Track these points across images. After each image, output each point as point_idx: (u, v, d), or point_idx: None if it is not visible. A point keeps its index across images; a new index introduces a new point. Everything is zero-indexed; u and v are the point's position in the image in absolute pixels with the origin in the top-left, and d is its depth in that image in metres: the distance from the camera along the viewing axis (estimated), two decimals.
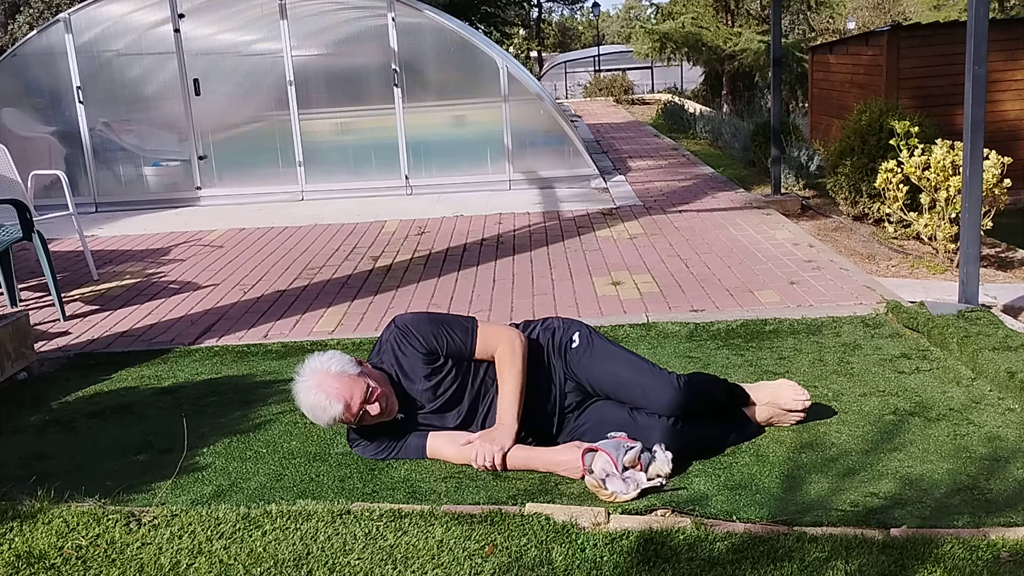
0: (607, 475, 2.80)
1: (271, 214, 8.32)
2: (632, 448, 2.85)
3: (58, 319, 5.18)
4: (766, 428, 3.24)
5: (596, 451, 2.87)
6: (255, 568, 2.37)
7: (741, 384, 3.32)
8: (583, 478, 2.86)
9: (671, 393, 3.01)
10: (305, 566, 2.37)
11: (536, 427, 3.14)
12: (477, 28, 22.92)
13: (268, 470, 3.12)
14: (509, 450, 2.98)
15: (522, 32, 49.42)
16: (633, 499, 2.74)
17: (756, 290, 5.13)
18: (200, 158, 9.13)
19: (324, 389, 2.93)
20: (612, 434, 2.97)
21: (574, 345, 3.17)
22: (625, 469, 2.82)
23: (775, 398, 3.22)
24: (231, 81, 9.18)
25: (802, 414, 3.24)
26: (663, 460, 2.86)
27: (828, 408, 3.40)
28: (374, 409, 2.98)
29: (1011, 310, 4.65)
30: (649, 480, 2.82)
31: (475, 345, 3.08)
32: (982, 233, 4.94)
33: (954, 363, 3.85)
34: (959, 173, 5.23)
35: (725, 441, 3.12)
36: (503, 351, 3.07)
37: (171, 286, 5.88)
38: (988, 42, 4.22)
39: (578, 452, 2.91)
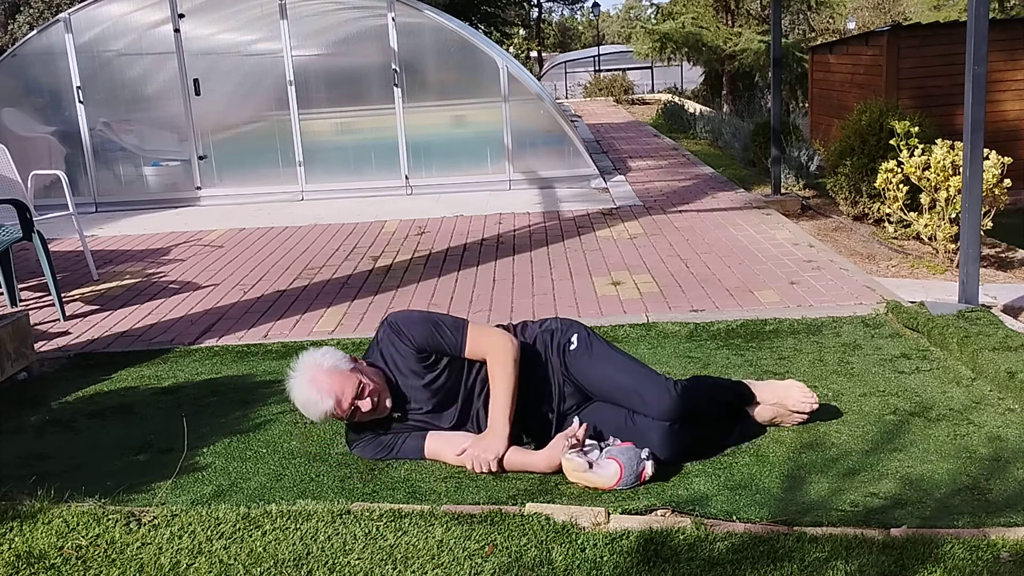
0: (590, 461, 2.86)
1: (271, 214, 8.32)
2: (645, 460, 2.87)
3: (58, 319, 5.18)
4: (767, 428, 3.23)
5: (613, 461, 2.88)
6: (255, 568, 2.37)
7: (748, 381, 3.32)
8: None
9: (667, 400, 3.01)
10: (305, 566, 2.37)
11: (535, 429, 3.14)
12: (477, 28, 22.91)
13: (268, 470, 3.12)
14: (504, 455, 2.98)
15: (522, 32, 49.42)
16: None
17: (756, 290, 5.13)
18: (200, 158, 9.13)
19: (316, 384, 2.99)
20: (615, 439, 2.98)
21: (572, 347, 3.18)
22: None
23: (783, 399, 3.22)
24: (231, 81, 9.18)
25: (806, 415, 3.24)
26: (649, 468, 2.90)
27: (828, 408, 3.40)
28: (365, 405, 3.01)
29: (1011, 310, 4.65)
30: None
31: (465, 344, 3.10)
32: (982, 233, 4.94)
33: (954, 363, 3.85)
34: (959, 173, 5.23)
35: (725, 441, 3.12)
36: (495, 355, 3.07)
37: (171, 286, 5.88)
38: (988, 42, 4.22)
39: (556, 451, 2.94)
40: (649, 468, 2.86)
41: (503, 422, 3.02)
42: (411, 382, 3.11)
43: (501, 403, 3.03)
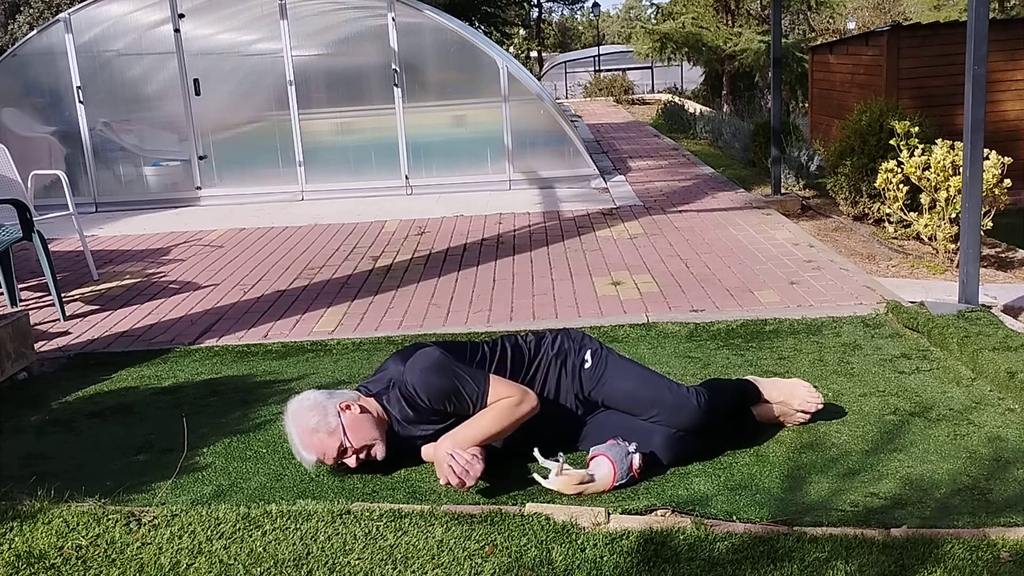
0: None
1: (271, 214, 8.32)
2: (632, 454, 2.87)
3: (58, 319, 5.18)
4: (767, 428, 3.23)
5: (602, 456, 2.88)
6: (255, 568, 2.37)
7: (753, 378, 3.31)
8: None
9: (692, 414, 2.98)
10: (305, 566, 2.37)
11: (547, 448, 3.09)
12: (477, 28, 22.92)
13: (268, 470, 3.12)
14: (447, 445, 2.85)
15: (522, 32, 49.41)
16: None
17: (756, 290, 5.13)
18: (200, 158, 9.13)
19: (301, 440, 2.95)
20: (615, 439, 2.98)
21: (587, 366, 3.12)
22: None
23: (788, 397, 3.22)
24: (231, 81, 9.18)
25: (810, 415, 3.24)
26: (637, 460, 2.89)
27: (829, 408, 3.39)
28: (351, 462, 2.95)
29: (1011, 310, 4.65)
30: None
31: (484, 407, 2.92)
32: (982, 233, 4.94)
33: (954, 363, 3.85)
34: (959, 173, 5.23)
35: (726, 441, 3.11)
36: (502, 403, 2.88)
37: (171, 286, 5.88)
38: (988, 42, 4.22)
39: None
40: (637, 460, 2.86)
41: (452, 443, 2.85)
42: (418, 430, 3.03)
43: (466, 433, 2.86)
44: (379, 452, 2.97)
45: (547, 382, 3.11)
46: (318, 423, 2.92)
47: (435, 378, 2.90)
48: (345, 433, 2.92)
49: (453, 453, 2.81)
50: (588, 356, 3.13)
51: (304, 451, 2.95)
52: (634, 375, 3.10)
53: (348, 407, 2.96)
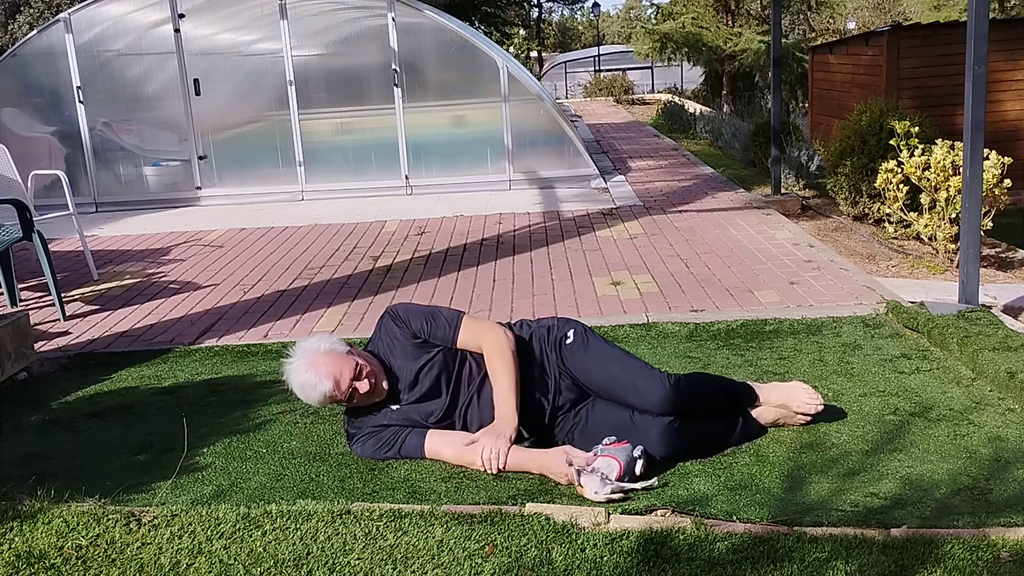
0: (587, 471, 2.82)
1: (271, 214, 8.32)
2: (637, 458, 2.86)
3: (58, 319, 5.18)
4: (769, 428, 3.23)
5: (599, 459, 2.87)
6: (255, 568, 2.37)
7: (752, 382, 3.31)
8: (569, 484, 2.86)
9: (661, 392, 3.02)
10: (305, 566, 2.37)
11: (532, 424, 3.15)
12: (477, 28, 22.93)
13: (268, 470, 3.12)
14: (512, 441, 3.00)
15: (522, 32, 49.41)
16: (605, 500, 2.74)
17: (756, 290, 5.13)
18: (200, 158, 9.13)
19: (314, 367, 3.04)
20: (607, 440, 2.97)
21: (568, 341, 3.21)
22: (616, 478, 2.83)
23: (787, 400, 3.22)
24: (231, 81, 9.18)
25: (810, 416, 3.24)
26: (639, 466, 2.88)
27: (829, 408, 3.39)
28: (363, 386, 3.05)
29: (1011, 310, 4.65)
30: (632, 483, 2.82)
31: (458, 334, 3.15)
32: (982, 233, 4.94)
33: (954, 363, 3.85)
34: (959, 173, 5.23)
35: (726, 441, 3.12)
36: (491, 347, 3.12)
37: (171, 286, 5.88)
38: (988, 42, 4.22)
39: (563, 456, 2.91)
40: (639, 467, 2.85)
41: (511, 408, 3.05)
42: (404, 365, 3.15)
43: (506, 392, 3.07)
44: (385, 383, 3.13)
45: (530, 348, 3.21)
46: (332, 345, 3.10)
47: (414, 305, 3.28)
48: (358, 355, 3.09)
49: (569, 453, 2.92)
50: (570, 333, 3.25)
51: (318, 376, 3.02)
52: (612, 356, 3.19)
53: (351, 346, 3.18)
